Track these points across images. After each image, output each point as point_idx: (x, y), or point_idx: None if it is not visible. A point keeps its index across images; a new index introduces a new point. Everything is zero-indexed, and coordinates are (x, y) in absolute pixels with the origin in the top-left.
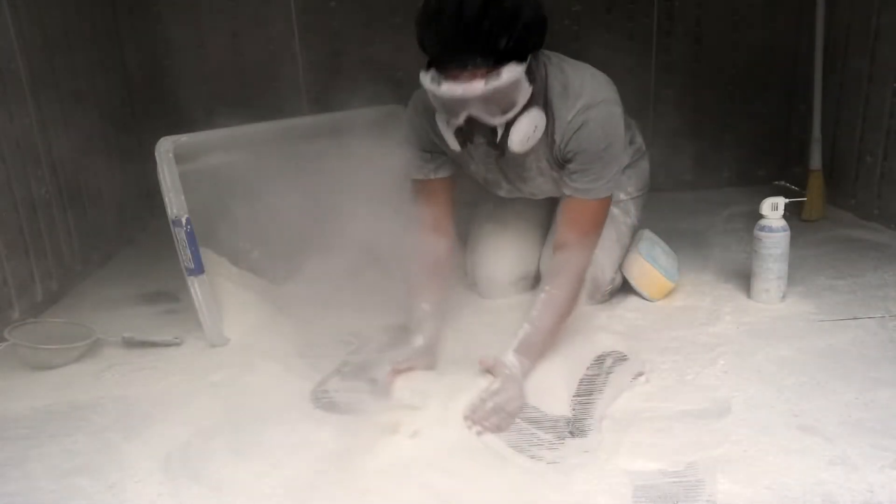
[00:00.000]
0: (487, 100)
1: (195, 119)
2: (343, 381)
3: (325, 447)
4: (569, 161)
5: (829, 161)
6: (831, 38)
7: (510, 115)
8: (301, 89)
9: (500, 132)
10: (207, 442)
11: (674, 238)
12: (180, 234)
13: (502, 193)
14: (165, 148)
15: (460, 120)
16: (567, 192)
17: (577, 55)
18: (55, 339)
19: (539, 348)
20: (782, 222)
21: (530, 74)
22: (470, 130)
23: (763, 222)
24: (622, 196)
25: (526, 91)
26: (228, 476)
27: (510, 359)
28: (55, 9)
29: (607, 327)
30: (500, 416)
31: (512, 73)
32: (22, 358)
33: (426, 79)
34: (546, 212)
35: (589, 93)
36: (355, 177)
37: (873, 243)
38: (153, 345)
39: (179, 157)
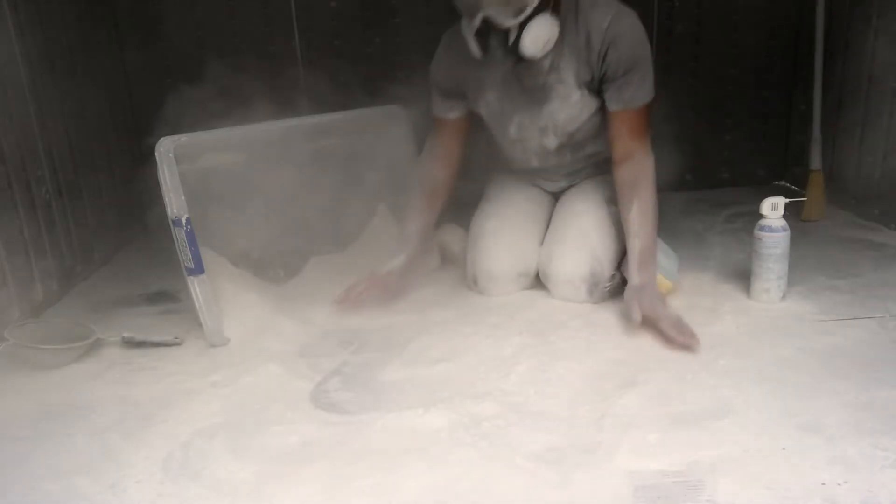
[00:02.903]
0: (499, 1)
1: (195, 119)
2: (343, 381)
3: (325, 447)
4: (613, 76)
5: (829, 161)
6: (831, 38)
7: (521, 17)
8: (301, 89)
9: (512, 35)
10: (207, 442)
11: (674, 238)
12: (180, 234)
13: (512, 131)
14: (165, 148)
15: (477, 21)
16: (618, 106)
17: None
18: (55, 339)
19: (652, 250)
20: (782, 222)
21: None
22: (487, 35)
23: (763, 222)
24: None
25: None
26: (228, 476)
27: (638, 282)
28: (55, 9)
29: (609, 327)
30: (685, 324)
31: None
32: (22, 358)
33: None
34: (546, 209)
35: (617, 4)
36: (354, 177)
37: (873, 243)
38: (153, 345)
39: (179, 157)
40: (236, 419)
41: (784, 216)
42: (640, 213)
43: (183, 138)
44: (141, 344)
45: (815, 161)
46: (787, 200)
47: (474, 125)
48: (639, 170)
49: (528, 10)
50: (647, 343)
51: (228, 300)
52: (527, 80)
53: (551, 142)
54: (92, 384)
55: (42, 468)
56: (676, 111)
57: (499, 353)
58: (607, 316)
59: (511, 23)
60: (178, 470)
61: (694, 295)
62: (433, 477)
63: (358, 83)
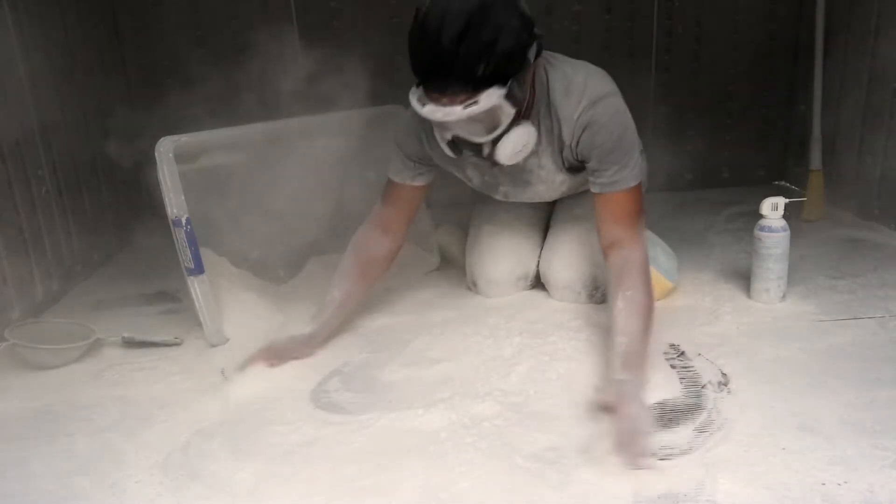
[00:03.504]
0: (469, 122)
1: (195, 119)
2: (343, 381)
3: (325, 447)
4: (586, 160)
5: (829, 161)
6: (831, 39)
7: (494, 134)
8: (301, 89)
9: (486, 150)
10: (207, 442)
11: (674, 238)
12: (180, 234)
13: (499, 197)
14: (165, 148)
15: (448, 136)
16: (598, 189)
17: (577, 55)
18: (55, 339)
19: (641, 355)
20: (782, 222)
21: (512, 98)
22: (460, 144)
23: (763, 222)
24: None
25: (508, 114)
26: (228, 476)
27: (620, 377)
28: (55, 9)
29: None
30: (641, 439)
31: (490, 98)
32: (22, 358)
33: (413, 98)
34: (545, 212)
35: (591, 89)
36: (354, 177)
37: (873, 243)
38: (153, 345)
39: (179, 157)
40: (236, 419)
41: (784, 216)
42: (626, 310)
43: (183, 138)
44: (141, 344)
45: (815, 161)
46: (787, 200)
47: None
48: (623, 261)
49: (502, 128)
50: None
51: (228, 300)
52: (507, 169)
53: (540, 203)
54: (92, 384)
55: (42, 468)
56: (676, 111)
57: (499, 353)
58: (607, 317)
59: (484, 139)
60: (178, 470)
61: (694, 295)
62: (433, 477)
63: (358, 83)
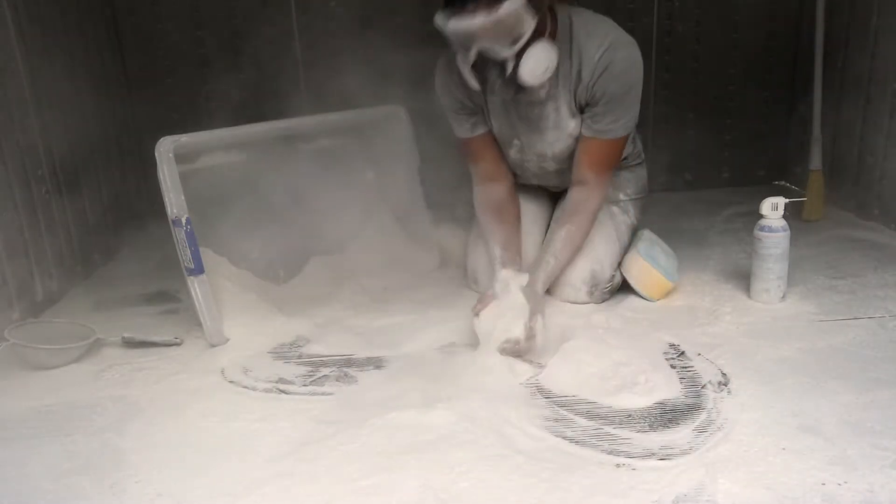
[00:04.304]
0: (491, 32)
1: (195, 119)
2: (342, 381)
3: (325, 447)
4: (593, 104)
5: (829, 161)
6: (831, 39)
7: (517, 46)
8: (301, 89)
9: (509, 66)
10: (207, 441)
11: (674, 238)
12: (180, 234)
13: (512, 153)
14: (165, 148)
15: (472, 55)
16: (588, 133)
17: None
18: (55, 339)
19: (555, 278)
20: (782, 222)
21: (534, 5)
22: (484, 66)
23: (763, 222)
24: (621, 196)
25: (529, 23)
26: (228, 476)
27: (538, 290)
28: (55, 9)
29: (609, 327)
30: (524, 347)
31: (512, 4)
32: (22, 358)
33: (439, 19)
34: (546, 211)
35: (613, 35)
36: (354, 177)
37: (873, 243)
38: (153, 345)
39: (179, 157)
40: (236, 419)
41: (784, 216)
42: (565, 239)
43: (183, 138)
44: (141, 344)
45: (815, 161)
46: (787, 200)
47: None
48: (584, 200)
49: (525, 39)
50: (647, 343)
51: (228, 300)
52: (525, 110)
53: (550, 165)
54: (92, 384)
55: (42, 468)
56: (677, 111)
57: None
58: (607, 316)
59: (507, 53)
60: (178, 470)
61: (694, 295)
62: (433, 477)
63: (358, 83)
